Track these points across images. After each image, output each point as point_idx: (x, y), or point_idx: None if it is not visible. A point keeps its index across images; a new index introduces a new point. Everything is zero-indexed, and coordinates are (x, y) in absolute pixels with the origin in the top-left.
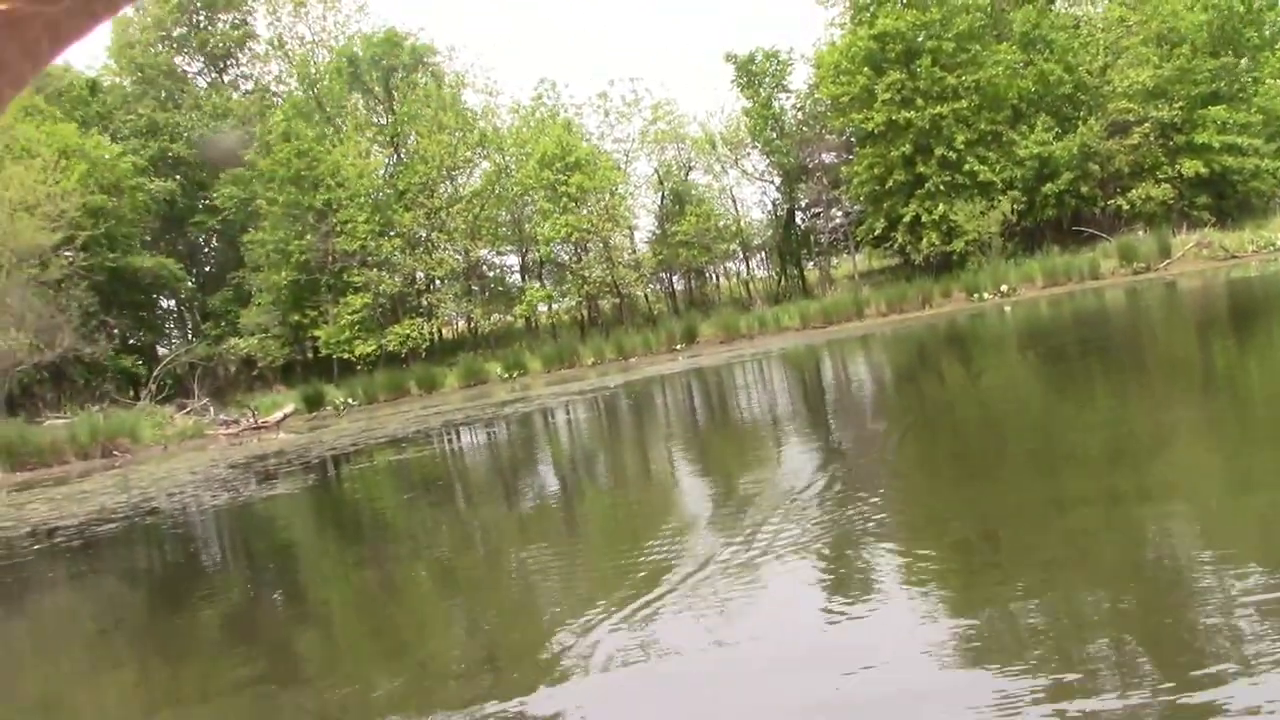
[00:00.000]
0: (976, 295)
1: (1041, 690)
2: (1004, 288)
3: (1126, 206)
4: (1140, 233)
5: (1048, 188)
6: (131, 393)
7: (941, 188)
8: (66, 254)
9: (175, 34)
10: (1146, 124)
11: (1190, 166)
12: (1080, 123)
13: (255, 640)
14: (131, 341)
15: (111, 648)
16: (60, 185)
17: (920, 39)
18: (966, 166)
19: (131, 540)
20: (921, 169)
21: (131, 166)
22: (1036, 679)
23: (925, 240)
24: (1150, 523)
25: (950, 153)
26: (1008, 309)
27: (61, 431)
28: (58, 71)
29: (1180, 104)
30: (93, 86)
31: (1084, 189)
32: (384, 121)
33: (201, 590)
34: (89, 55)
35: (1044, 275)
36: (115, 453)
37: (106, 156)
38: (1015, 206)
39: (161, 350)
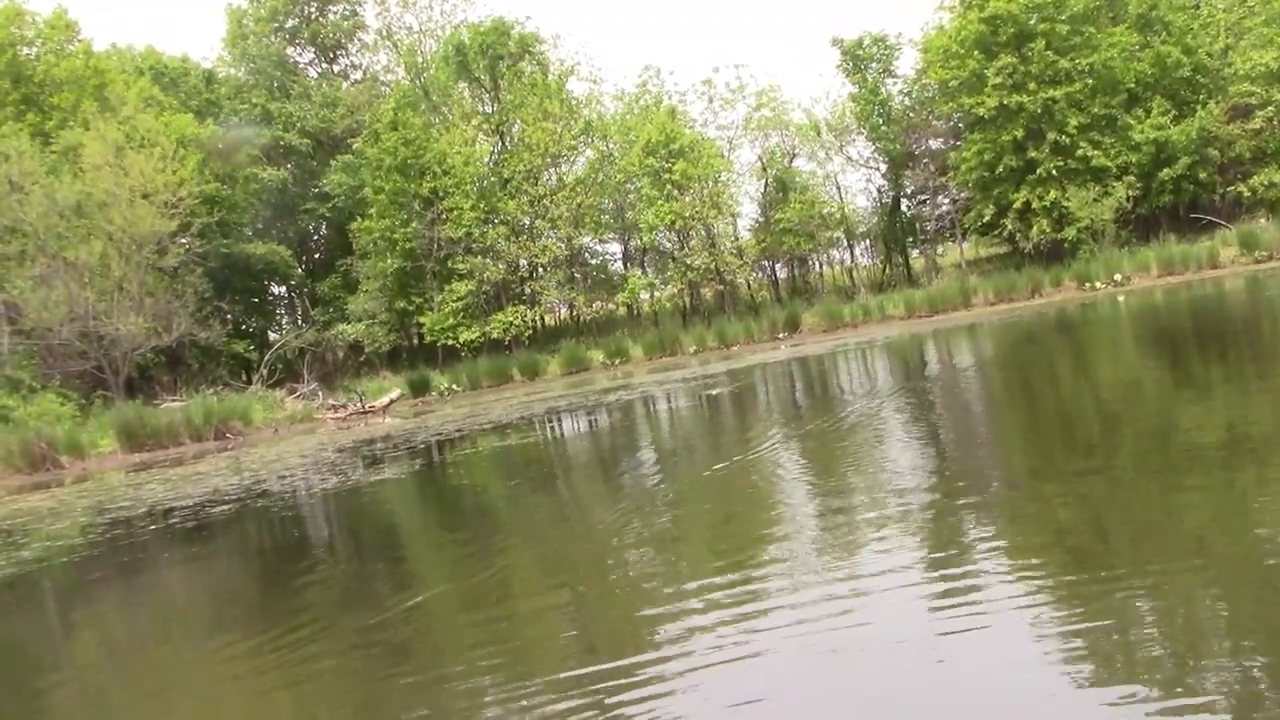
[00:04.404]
0: (1088, 284)
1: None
2: (1117, 276)
3: (1248, 193)
4: (1262, 220)
5: (1164, 173)
6: (243, 377)
7: (1054, 173)
8: (182, 241)
9: (288, 25)
10: (1270, 107)
11: None
12: (1199, 106)
13: (364, 620)
14: (244, 327)
15: (225, 628)
16: (177, 174)
17: (1033, 21)
18: (1080, 151)
19: (244, 522)
20: (1033, 154)
21: (245, 156)
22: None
23: (1035, 227)
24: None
25: (1063, 137)
26: (1121, 298)
27: (177, 414)
28: (176, 63)
29: None
30: (209, 78)
31: (1202, 175)
32: (490, 110)
33: (311, 572)
34: (205, 47)
35: (1159, 264)
36: (228, 435)
37: (221, 146)
38: (1130, 193)
39: (272, 335)
